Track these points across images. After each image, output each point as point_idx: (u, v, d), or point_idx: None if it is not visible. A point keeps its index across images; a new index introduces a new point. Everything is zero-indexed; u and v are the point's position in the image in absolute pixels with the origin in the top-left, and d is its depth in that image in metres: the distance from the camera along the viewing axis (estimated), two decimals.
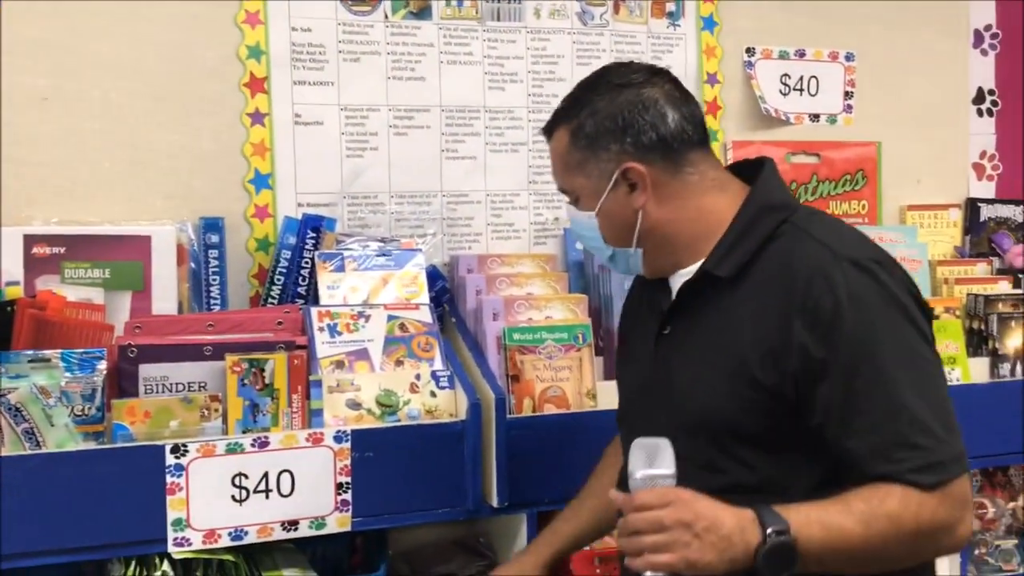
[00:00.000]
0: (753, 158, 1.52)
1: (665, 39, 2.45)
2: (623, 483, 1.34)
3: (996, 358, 2.39)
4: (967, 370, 2.35)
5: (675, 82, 1.47)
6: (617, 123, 1.41)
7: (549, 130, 1.51)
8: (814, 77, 2.59)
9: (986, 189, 2.77)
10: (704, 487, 1.24)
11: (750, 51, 2.53)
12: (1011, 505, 2.42)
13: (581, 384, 2.05)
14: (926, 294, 2.51)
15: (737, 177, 1.47)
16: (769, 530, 1.18)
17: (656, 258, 1.47)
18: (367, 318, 1.99)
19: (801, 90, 2.57)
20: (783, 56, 2.56)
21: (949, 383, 1.87)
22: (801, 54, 2.58)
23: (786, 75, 2.56)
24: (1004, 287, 2.54)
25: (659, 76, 1.46)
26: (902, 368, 1.27)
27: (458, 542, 2.23)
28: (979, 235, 2.72)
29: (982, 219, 2.72)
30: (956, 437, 1.28)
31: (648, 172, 1.41)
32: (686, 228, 1.43)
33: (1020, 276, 2.59)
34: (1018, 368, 2.39)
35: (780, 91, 2.56)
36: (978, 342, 2.43)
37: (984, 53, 2.78)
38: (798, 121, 2.57)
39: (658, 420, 1.41)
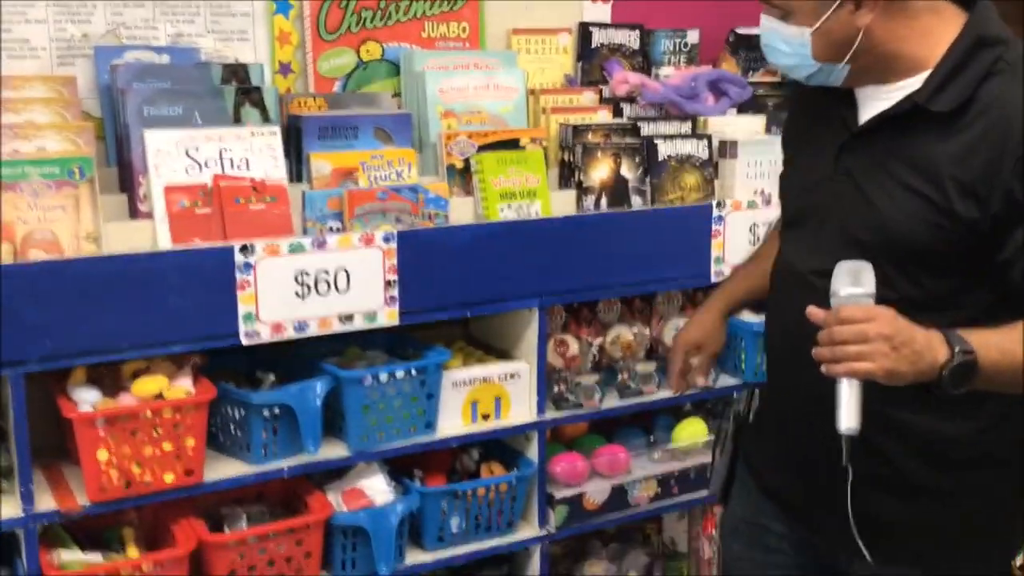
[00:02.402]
0: None
1: None
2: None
3: (581, 191, 2.28)
4: (547, 203, 2.23)
5: None
6: None
7: None
8: None
9: (601, 12, 2.62)
10: None
11: None
12: (597, 341, 2.37)
13: (79, 226, 1.78)
14: (521, 125, 2.37)
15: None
16: (957, 349, 1.30)
17: (862, 75, 1.48)
18: None
19: None
20: None
21: (528, 218, 2.14)
22: None
23: None
24: (603, 117, 2.43)
25: None
26: None
27: None
28: (591, 62, 2.58)
29: (594, 45, 2.58)
30: None
31: None
32: (905, 49, 1.44)
33: (622, 105, 2.48)
34: (603, 201, 2.30)
35: None
36: (568, 174, 2.32)
37: None
38: None
39: (831, 228, 1.50)
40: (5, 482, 1.82)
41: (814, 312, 1.36)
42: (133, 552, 1.93)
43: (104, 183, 1.94)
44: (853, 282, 1.34)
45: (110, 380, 1.90)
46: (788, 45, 1.48)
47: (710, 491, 1.94)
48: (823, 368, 1.34)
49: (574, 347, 2.34)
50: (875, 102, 1.48)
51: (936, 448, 1.51)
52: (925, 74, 1.44)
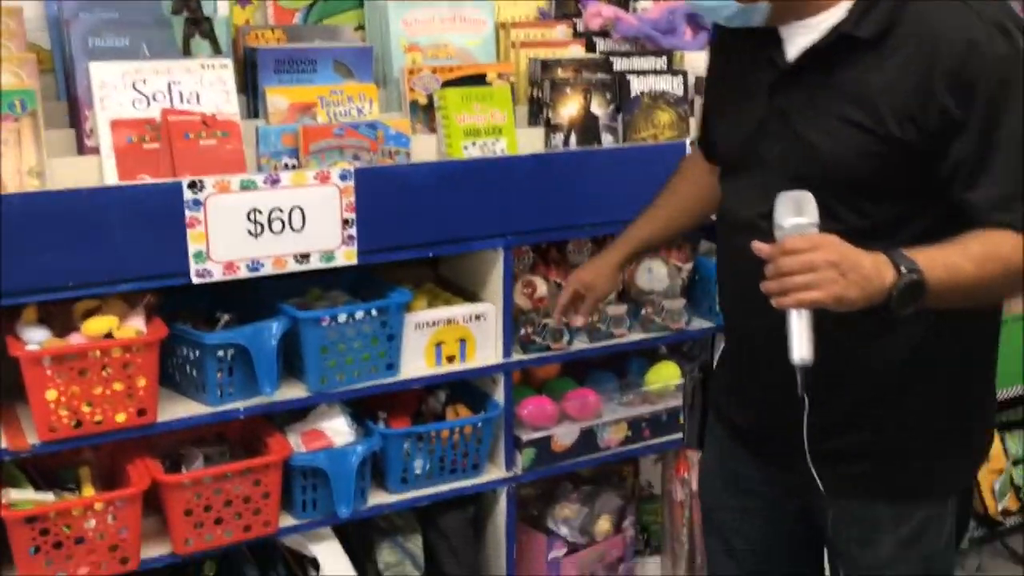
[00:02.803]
0: None
1: None
2: None
3: (549, 128, 2.22)
4: (513, 141, 2.17)
5: None
6: None
7: None
8: None
9: None
10: None
11: None
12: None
13: (21, 162, 1.73)
14: (490, 60, 2.31)
15: None
16: (903, 268, 1.29)
17: (783, 12, 1.45)
18: None
19: None
20: None
21: (493, 155, 2.12)
22: None
23: None
24: (576, 52, 2.36)
25: None
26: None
27: None
28: None
29: None
30: None
31: None
32: None
33: (595, 40, 2.41)
34: (572, 139, 2.24)
35: None
36: (537, 111, 2.26)
37: None
38: None
39: (772, 170, 1.47)
40: None
41: (759, 246, 1.34)
42: (89, 491, 1.92)
43: (54, 118, 1.90)
44: (796, 212, 1.32)
45: (61, 320, 1.87)
46: None
47: (685, 442, 1.94)
48: (772, 301, 1.32)
49: (542, 288, 2.30)
50: (800, 37, 1.45)
51: (885, 372, 1.52)
52: (846, 3, 1.42)
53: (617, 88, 2.28)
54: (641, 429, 2.43)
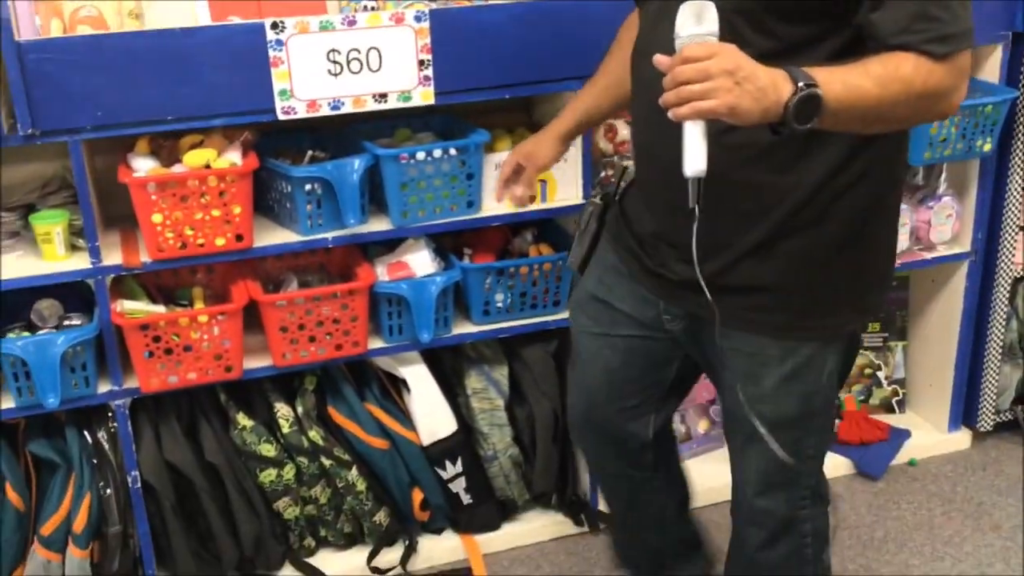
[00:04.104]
0: None
1: None
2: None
3: None
4: None
5: None
6: None
7: None
8: None
9: None
10: None
11: None
12: None
13: (122, 4, 1.91)
14: None
15: None
16: (800, 83, 1.30)
17: None
18: None
19: None
20: None
21: None
22: None
23: None
24: None
25: None
26: None
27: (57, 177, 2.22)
28: None
29: None
30: (968, 13, 1.40)
31: None
32: None
33: None
34: None
35: None
36: None
37: None
38: None
39: None
40: (81, 240, 2.05)
41: (659, 59, 1.33)
42: (199, 306, 2.16)
43: None
44: (696, 21, 1.32)
45: (169, 153, 2.08)
46: None
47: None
48: (670, 113, 1.32)
49: (623, 132, 2.33)
50: None
51: (792, 208, 1.53)
52: None
53: None
54: None
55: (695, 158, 1.33)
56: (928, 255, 2.61)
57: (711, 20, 1.32)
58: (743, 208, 1.55)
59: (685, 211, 1.37)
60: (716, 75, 1.27)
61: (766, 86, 1.29)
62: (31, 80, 1.83)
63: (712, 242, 1.50)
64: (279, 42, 1.95)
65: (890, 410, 2.89)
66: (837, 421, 2.77)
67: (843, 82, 1.33)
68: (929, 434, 2.83)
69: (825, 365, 1.66)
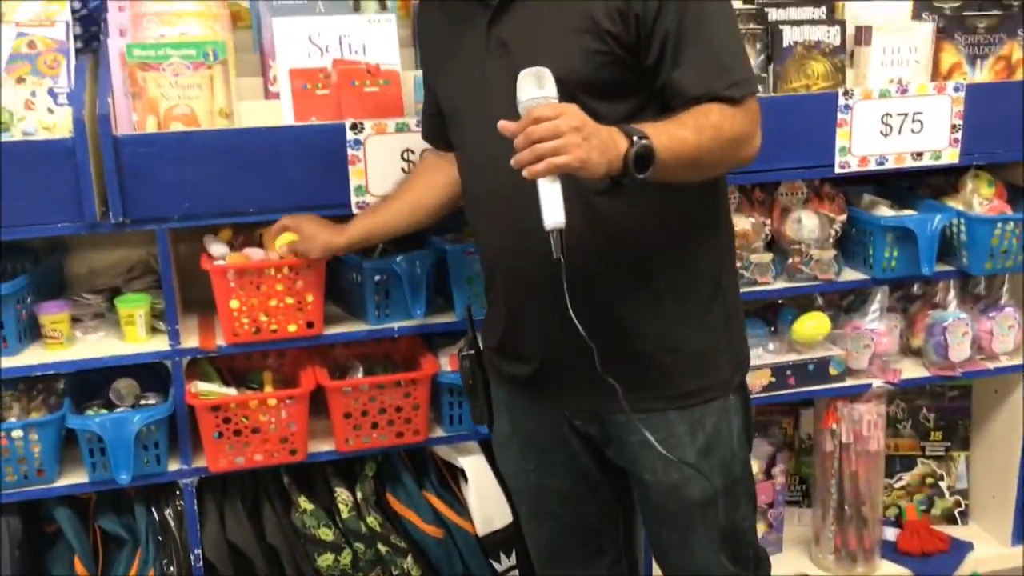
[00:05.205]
0: None
1: None
2: None
3: None
4: None
5: None
6: None
7: None
8: None
9: None
10: None
11: None
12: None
13: (213, 103, 2.03)
14: None
15: None
16: (634, 137, 1.42)
17: None
18: None
19: None
20: None
21: None
22: None
23: None
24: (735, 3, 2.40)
25: None
26: (717, 9, 1.57)
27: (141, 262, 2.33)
28: None
29: None
30: (749, 63, 1.65)
31: None
32: None
33: None
34: None
35: None
36: None
37: None
38: None
39: (502, 101, 1.52)
40: (161, 323, 2.15)
41: (505, 125, 1.41)
42: (268, 389, 2.24)
43: (248, 67, 2.20)
44: (538, 85, 1.41)
45: (245, 237, 2.18)
46: None
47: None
48: (525, 172, 1.39)
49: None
50: None
51: (651, 275, 1.65)
52: None
53: (769, 38, 2.31)
54: (785, 376, 2.47)
55: (553, 212, 1.40)
56: (991, 365, 2.59)
57: (551, 85, 1.41)
58: (622, 286, 1.65)
59: (564, 320, 1.43)
60: (566, 132, 1.36)
61: (607, 140, 1.40)
62: (125, 172, 1.95)
63: (602, 327, 1.57)
64: (357, 141, 2.05)
65: (952, 521, 2.85)
66: (892, 529, 2.74)
67: (667, 133, 1.45)
68: (992, 547, 2.77)
69: (732, 430, 1.74)
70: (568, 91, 1.49)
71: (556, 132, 1.37)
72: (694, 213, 1.68)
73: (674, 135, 1.46)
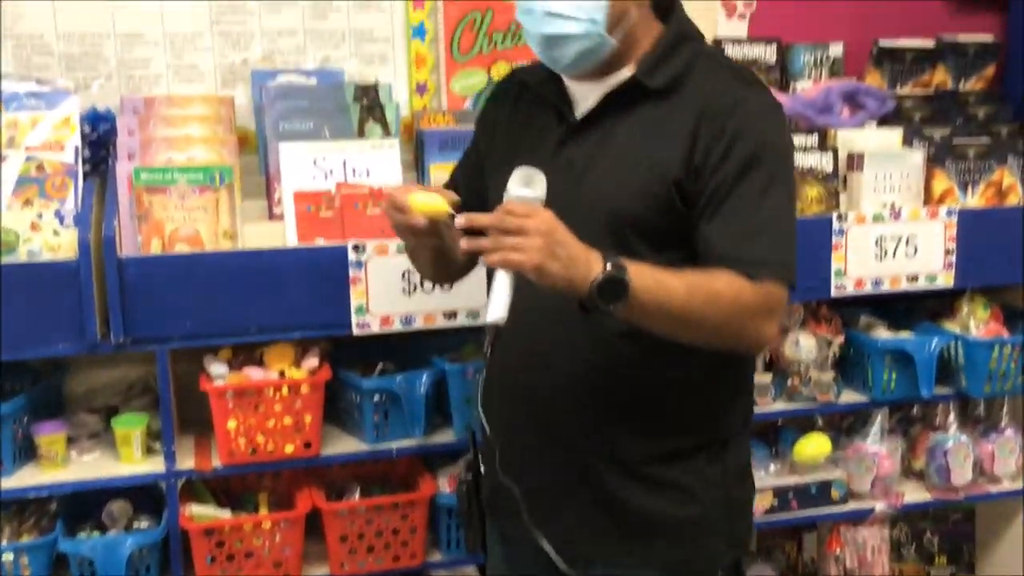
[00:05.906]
0: None
1: None
2: None
3: None
4: None
5: None
6: None
7: None
8: None
9: (737, 28, 2.65)
10: None
11: None
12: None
13: (218, 225, 2.06)
14: None
15: None
16: (609, 264, 1.36)
17: (598, 62, 1.55)
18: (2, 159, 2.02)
19: None
20: None
21: None
22: None
23: None
24: None
25: None
26: (776, 186, 1.49)
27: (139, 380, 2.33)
28: None
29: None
30: (792, 254, 1.51)
31: None
32: (640, 38, 1.54)
33: None
34: None
35: None
36: None
37: None
38: None
39: (553, 207, 1.44)
40: (157, 443, 2.13)
41: (474, 216, 1.39)
42: (263, 512, 2.20)
43: (254, 190, 2.24)
44: (524, 184, 1.40)
45: (245, 356, 2.18)
46: (582, 11, 1.48)
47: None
48: (483, 257, 1.38)
49: None
50: (591, 95, 1.56)
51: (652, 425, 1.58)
52: (634, 64, 1.55)
53: None
54: (788, 499, 2.45)
55: (497, 306, 1.38)
56: (993, 488, 2.57)
57: (540, 187, 1.40)
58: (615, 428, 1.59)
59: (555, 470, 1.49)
60: (531, 233, 1.33)
61: (577, 257, 1.35)
62: (128, 292, 1.96)
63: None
64: (359, 262, 2.07)
65: None
66: None
67: (654, 277, 1.40)
68: None
69: None
70: (619, 228, 1.49)
71: (522, 230, 1.34)
72: (720, 378, 1.60)
73: (661, 282, 1.40)
